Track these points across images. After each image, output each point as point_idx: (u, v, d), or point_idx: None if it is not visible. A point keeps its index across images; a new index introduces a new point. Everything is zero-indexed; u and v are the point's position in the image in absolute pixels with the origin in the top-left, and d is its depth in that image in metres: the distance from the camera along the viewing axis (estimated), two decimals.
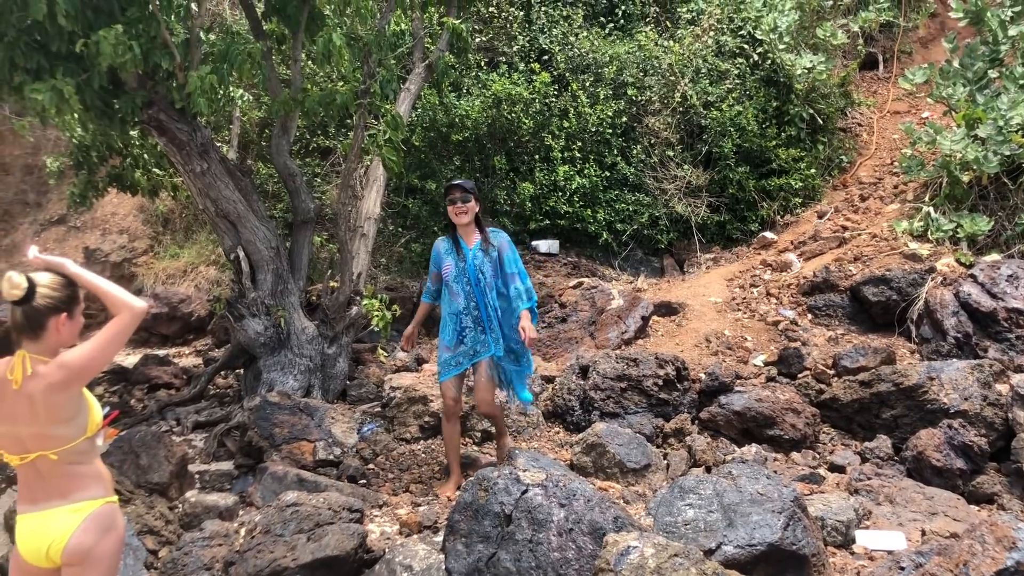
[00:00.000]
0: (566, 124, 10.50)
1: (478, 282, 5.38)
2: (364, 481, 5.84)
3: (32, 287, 2.83)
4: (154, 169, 8.06)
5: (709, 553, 3.91)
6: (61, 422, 2.89)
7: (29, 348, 2.87)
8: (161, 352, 9.79)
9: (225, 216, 6.83)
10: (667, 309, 8.92)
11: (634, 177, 10.76)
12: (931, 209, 8.65)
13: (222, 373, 8.30)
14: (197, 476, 6.00)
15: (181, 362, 9.34)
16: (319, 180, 10.96)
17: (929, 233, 8.48)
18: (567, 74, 10.85)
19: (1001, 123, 8.19)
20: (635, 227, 10.66)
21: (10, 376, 2.83)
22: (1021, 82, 8.46)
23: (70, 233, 11.56)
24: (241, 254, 6.95)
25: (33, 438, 2.87)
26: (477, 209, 5.43)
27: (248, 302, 6.96)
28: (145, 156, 7.90)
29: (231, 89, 7.99)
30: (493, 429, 6.01)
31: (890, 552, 4.35)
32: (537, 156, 10.54)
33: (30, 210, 11.76)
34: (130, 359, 9.31)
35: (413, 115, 9.86)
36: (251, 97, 9.72)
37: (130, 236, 11.56)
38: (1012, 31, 8.98)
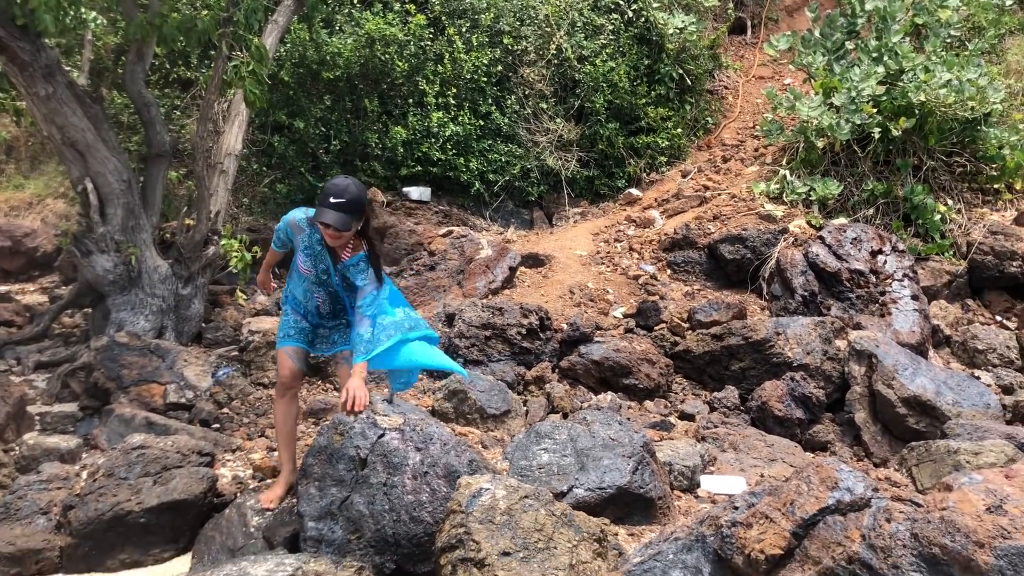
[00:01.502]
0: (441, 69, 10.33)
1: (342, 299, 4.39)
2: (218, 425, 5.69)
3: None
4: None
5: (561, 496, 4.02)
6: None
7: None
8: (2, 288, 9.17)
9: (72, 144, 6.41)
10: (534, 260, 9.01)
11: (508, 128, 10.74)
12: (787, 172, 9.02)
13: (68, 312, 7.87)
14: (37, 418, 5.70)
15: (24, 299, 8.79)
16: (178, 113, 10.43)
17: (784, 195, 8.85)
18: (443, 18, 10.66)
19: (854, 93, 8.59)
20: (507, 178, 10.66)
21: None
22: (874, 55, 8.88)
23: None
24: (89, 186, 6.55)
25: None
26: (360, 225, 4.07)
27: (96, 237, 6.59)
28: None
29: (82, 10, 7.48)
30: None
31: (731, 496, 4.58)
32: (411, 100, 10.35)
33: None
34: None
35: (281, 50, 9.48)
36: (106, 21, 9.10)
37: None
38: (868, 5, 9.39)
